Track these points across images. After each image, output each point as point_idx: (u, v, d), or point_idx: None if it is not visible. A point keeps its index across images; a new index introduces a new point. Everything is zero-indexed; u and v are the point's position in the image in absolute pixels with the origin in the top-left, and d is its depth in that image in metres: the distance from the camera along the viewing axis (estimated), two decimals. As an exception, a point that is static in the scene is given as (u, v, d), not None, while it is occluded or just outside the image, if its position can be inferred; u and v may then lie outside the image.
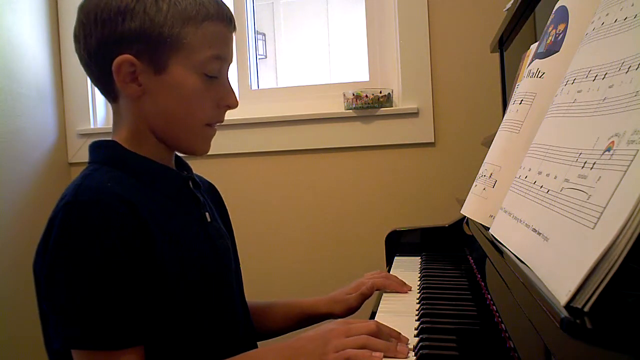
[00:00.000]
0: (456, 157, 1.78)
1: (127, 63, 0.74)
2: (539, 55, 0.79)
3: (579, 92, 0.54)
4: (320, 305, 1.00)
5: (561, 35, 0.73)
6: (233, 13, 0.82)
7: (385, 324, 0.73)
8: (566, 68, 0.60)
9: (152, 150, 0.80)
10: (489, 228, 0.72)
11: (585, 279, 0.37)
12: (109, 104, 0.82)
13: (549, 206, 0.50)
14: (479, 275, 0.92)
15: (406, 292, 0.99)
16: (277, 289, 1.89)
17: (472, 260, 1.07)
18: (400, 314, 0.87)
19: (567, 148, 0.51)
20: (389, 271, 1.17)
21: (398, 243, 1.34)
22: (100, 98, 2.04)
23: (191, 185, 0.84)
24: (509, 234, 0.62)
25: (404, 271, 1.07)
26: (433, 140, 1.80)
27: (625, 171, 0.37)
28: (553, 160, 0.54)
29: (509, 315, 0.63)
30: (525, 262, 0.52)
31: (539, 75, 0.77)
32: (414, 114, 1.80)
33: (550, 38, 0.76)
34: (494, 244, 0.65)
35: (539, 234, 0.50)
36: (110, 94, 0.79)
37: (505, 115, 0.86)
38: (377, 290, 1.01)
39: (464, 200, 0.91)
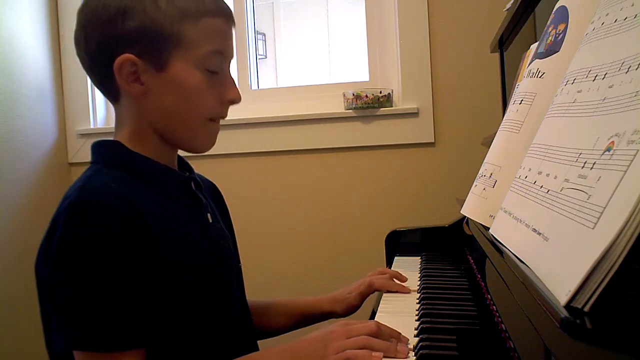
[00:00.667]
0: (456, 157, 1.78)
1: (129, 62, 0.74)
2: (539, 55, 0.79)
3: (579, 92, 0.54)
4: (322, 304, 1.00)
5: (561, 35, 0.73)
6: (233, 13, 0.83)
7: (385, 324, 0.73)
8: (566, 68, 0.60)
9: (154, 149, 0.80)
10: (489, 228, 0.72)
11: (585, 279, 0.37)
12: (110, 104, 0.82)
13: (549, 206, 0.50)
14: (479, 275, 0.92)
15: (408, 292, 0.99)
16: (277, 288, 1.89)
17: (472, 260, 1.07)
18: (400, 314, 0.88)
19: (567, 148, 0.51)
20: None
21: (398, 243, 1.34)
22: (100, 98, 2.04)
23: (193, 187, 0.84)
24: (509, 234, 0.62)
25: (404, 271, 1.07)
26: (433, 140, 1.80)
27: (625, 171, 0.37)
28: (553, 160, 0.54)
29: (509, 315, 0.63)
30: (525, 262, 0.51)
31: (539, 75, 0.77)
32: (414, 114, 1.79)
33: (550, 38, 0.76)
34: (494, 244, 0.65)
35: (539, 234, 0.50)
36: (112, 94, 0.79)
37: (505, 115, 0.86)
38: (377, 290, 1.01)
39: (464, 200, 0.91)
